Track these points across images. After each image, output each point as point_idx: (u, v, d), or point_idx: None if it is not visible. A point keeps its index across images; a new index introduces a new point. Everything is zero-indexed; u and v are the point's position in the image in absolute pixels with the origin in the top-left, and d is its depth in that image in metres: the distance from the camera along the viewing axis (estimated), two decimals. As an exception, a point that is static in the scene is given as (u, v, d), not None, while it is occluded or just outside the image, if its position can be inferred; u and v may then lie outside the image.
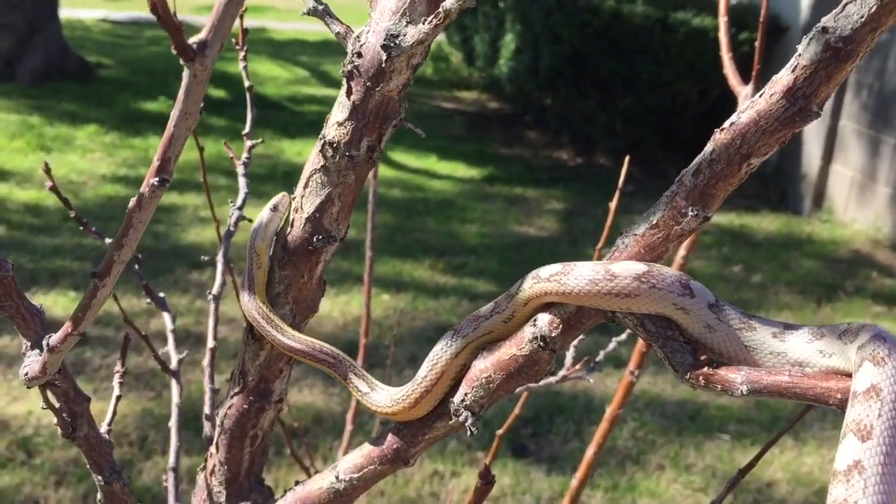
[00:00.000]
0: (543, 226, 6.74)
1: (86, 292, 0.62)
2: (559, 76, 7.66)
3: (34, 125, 7.98)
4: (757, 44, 1.53)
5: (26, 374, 0.75)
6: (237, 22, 0.94)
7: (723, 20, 1.62)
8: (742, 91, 1.56)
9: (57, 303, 4.77)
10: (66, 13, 11.35)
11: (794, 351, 0.71)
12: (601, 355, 1.21)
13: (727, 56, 1.61)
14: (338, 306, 5.00)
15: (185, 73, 0.49)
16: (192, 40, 0.48)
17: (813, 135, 7.21)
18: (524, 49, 8.08)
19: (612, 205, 1.61)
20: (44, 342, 0.73)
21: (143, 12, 14.43)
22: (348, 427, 1.95)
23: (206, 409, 1.02)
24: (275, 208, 0.95)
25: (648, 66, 7.31)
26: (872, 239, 6.64)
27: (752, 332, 0.71)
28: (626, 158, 1.65)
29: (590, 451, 1.59)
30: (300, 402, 4.05)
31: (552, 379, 1.04)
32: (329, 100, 10.19)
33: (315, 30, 13.88)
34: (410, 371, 4.41)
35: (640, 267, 0.72)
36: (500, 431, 1.62)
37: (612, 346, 1.30)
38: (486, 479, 0.66)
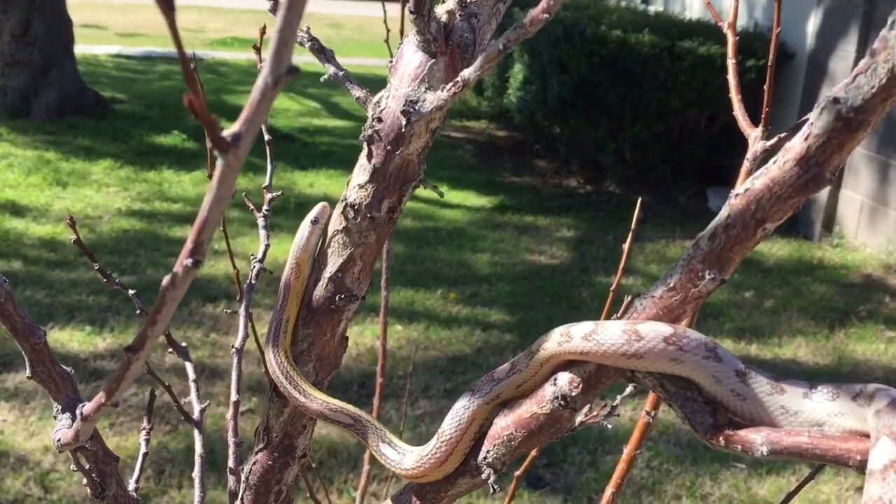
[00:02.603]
0: (554, 254, 6.76)
1: (119, 365, 0.64)
2: (568, 105, 7.71)
3: (50, 160, 8.08)
4: (766, 87, 1.55)
5: (58, 439, 0.77)
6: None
7: (731, 62, 1.64)
8: (752, 133, 1.58)
9: (73, 337, 4.80)
10: (80, 49, 11.51)
11: (811, 412, 0.72)
12: (618, 399, 1.22)
13: (736, 98, 1.63)
14: (352, 337, 4.99)
15: (219, 162, 0.51)
16: (226, 133, 0.50)
17: (823, 160, 7.20)
18: (532, 79, 8.15)
19: (626, 246, 1.62)
20: (77, 411, 0.75)
21: (156, 47, 14.63)
22: (365, 467, 1.95)
23: (231, 463, 1.03)
24: (315, 221, 0.95)
25: (656, 93, 7.35)
26: (884, 263, 6.62)
27: (782, 395, 0.73)
28: (639, 200, 1.66)
29: (608, 492, 1.60)
30: (315, 435, 4.04)
31: (570, 426, 1.05)
32: (339, 131, 10.27)
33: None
34: (424, 402, 4.41)
35: (667, 329, 0.74)
36: (518, 473, 1.63)
37: (628, 390, 1.31)
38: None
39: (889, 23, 0.65)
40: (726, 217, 0.72)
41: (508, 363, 0.86)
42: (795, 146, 0.69)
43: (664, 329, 0.74)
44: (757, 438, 0.72)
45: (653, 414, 1.57)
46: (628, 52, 7.31)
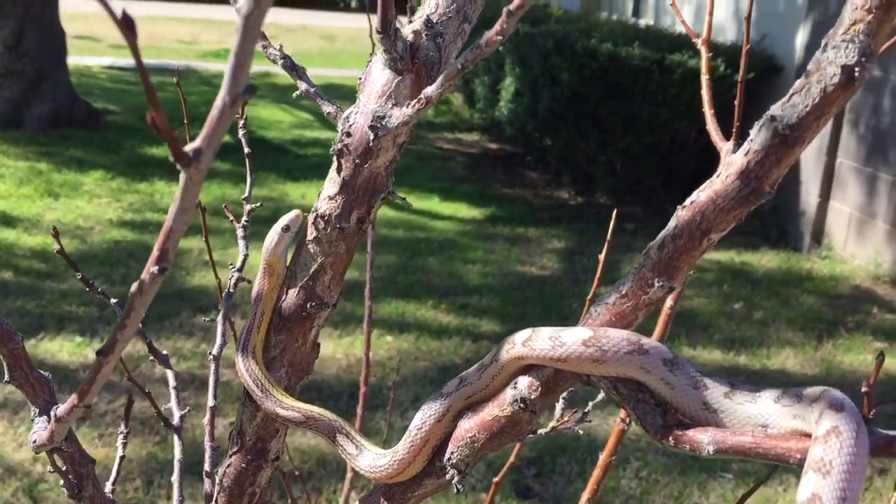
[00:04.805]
0: (545, 265, 6.79)
1: (91, 368, 0.67)
2: (559, 118, 7.77)
3: (42, 171, 8.10)
4: (736, 102, 1.59)
5: (34, 440, 0.80)
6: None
7: (704, 79, 1.68)
8: (724, 147, 1.62)
9: (63, 348, 4.82)
10: (73, 60, 11.55)
11: (734, 411, 0.75)
12: (589, 406, 1.25)
13: (709, 113, 1.67)
14: (342, 348, 5.03)
15: (182, 175, 0.54)
16: (188, 148, 0.53)
17: (810, 172, 7.28)
18: (524, 91, 8.21)
19: (601, 256, 1.65)
20: (52, 412, 0.78)
21: (149, 59, 14.68)
22: (348, 475, 1.98)
23: (207, 466, 1.06)
24: (286, 228, 0.98)
25: (647, 106, 7.41)
26: (872, 275, 6.67)
27: (706, 390, 0.76)
28: (615, 211, 1.70)
29: (584, 498, 1.62)
30: (304, 445, 4.07)
31: (542, 431, 1.08)
32: (331, 143, 10.31)
33: (317, 74, 14.08)
34: (413, 412, 4.43)
35: (586, 332, 0.78)
36: (496, 479, 1.66)
37: (600, 396, 1.34)
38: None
39: (822, 45, 0.69)
40: (674, 228, 0.76)
41: (475, 365, 0.89)
42: (736, 161, 0.73)
43: (583, 333, 0.78)
44: (704, 438, 0.75)
45: (628, 421, 1.60)
46: (619, 65, 7.37)
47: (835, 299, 6.31)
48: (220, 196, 7.49)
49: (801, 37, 7.34)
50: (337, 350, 4.99)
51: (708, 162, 7.77)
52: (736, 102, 1.59)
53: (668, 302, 1.67)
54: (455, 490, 0.87)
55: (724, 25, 8.46)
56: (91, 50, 15.39)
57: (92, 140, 9.29)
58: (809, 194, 7.28)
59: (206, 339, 5.05)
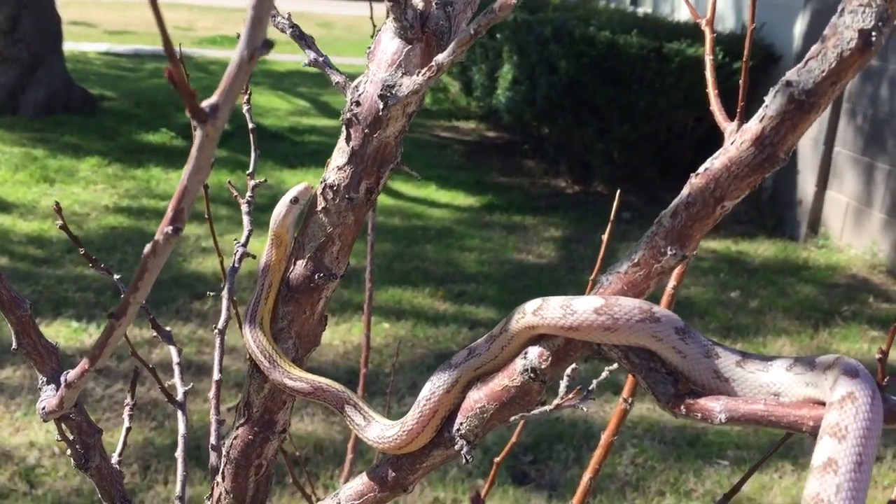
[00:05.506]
0: (542, 253, 6.79)
1: (103, 330, 0.66)
2: (556, 106, 7.75)
3: (37, 157, 8.07)
4: (741, 81, 1.59)
5: (43, 408, 0.79)
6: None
7: (708, 59, 1.67)
8: (728, 127, 1.61)
9: (59, 333, 4.81)
10: (69, 46, 11.48)
11: (745, 380, 0.75)
12: (594, 384, 1.25)
13: (713, 93, 1.66)
14: (339, 335, 5.03)
15: (198, 133, 0.54)
16: (205, 104, 0.52)
17: (807, 162, 7.28)
18: (521, 79, 8.19)
19: (605, 237, 1.65)
20: (62, 378, 0.77)
21: (145, 45, 14.60)
22: (349, 456, 1.98)
23: (213, 440, 1.06)
24: (295, 200, 0.97)
25: (644, 94, 7.40)
26: (868, 264, 6.69)
27: (717, 359, 0.76)
28: (618, 192, 1.70)
29: (585, 477, 1.63)
30: (301, 430, 4.07)
31: (546, 408, 1.08)
32: (329, 130, 10.29)
33: (315, 60, 14.01)
34: (411, 399, 4.43)
35: (597, 301, 0.77)
36: (497, 459, 1.66)
37: (604, 374, 1.34)
38: (477, 502, 0.70)
39: (839, 10, 0.69)
40: (687, 196, 0.76)
41: (485, 336, 0.89)
42: (752, 127, 0.72)
43: (595, 301, 0.78)
44: (716, 406, 0.75)
45: (630, 401, 1.61)
46: (617, 54, 7.36)
47: (831, 288, 6.32)
48: (217, 183, 7.46)
49: (800, 26, 7.33)
50: (334, 337, 4.99)
51: (706, 151, 7.72)
52: (741, 81, 1.59)
53: (671, 283, 1.67)
54: (464, 461, 0.87)
55: (722, 14, 8.45)
56: (87, 36, 15.31)
57: (88, 126, 9.25)
58: (806, 183, 7.29)
59: (202, 325, 5.04)
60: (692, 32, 7.59)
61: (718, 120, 1.65)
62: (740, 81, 1.58)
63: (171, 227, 0.59)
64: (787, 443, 4.25)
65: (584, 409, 1.03)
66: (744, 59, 1.59)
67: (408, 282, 5.92)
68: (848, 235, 6.97)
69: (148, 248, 0.62)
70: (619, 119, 7.58)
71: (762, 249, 7.04)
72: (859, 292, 6.24)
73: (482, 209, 7.71)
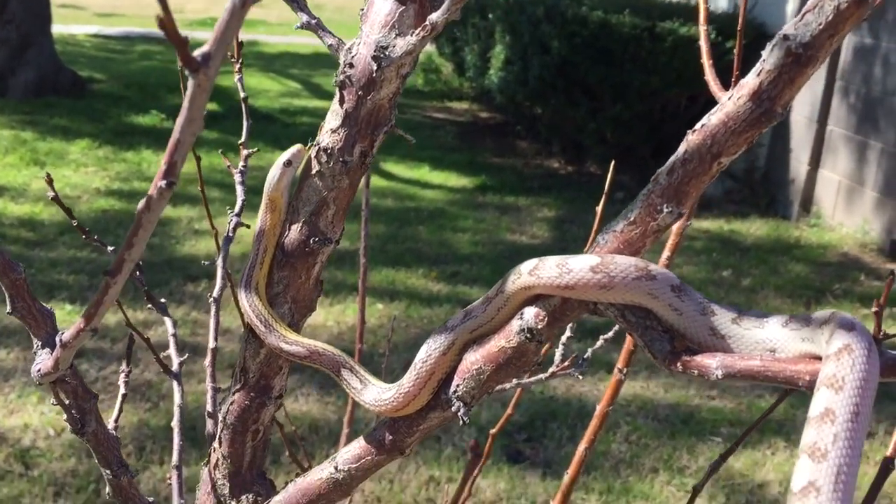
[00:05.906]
0: (535, 234, 6.80)
1: (98, 289, 0.66)
2: (549, 86, 7.73)
3: (27, 140, 8.01)
4: (736, 51, 1.58)
5: (38, 370, 0.79)
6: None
7: (703, 28, 1.66)
8: (723, 97, 1.61)
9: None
10: (58, 29, 11.38)
11: (741, 336, 0.75)
12: (589, 352, 1.25)
13: (708, 63, 1.65)
14: (333, 315, 5.03)
15: (190, 83, 0.53)
16: (197, 53, 0.52)
17: (801, 140, 7.29)
18: (514, 60, 8.15)
19: (599, 209, 1.65)
20: (57, 338, 0.77)
21: (135, 27, 14.49)
22: (345, 430, 1.98)
23: (209, 407, 1.06)
24: (288, 163, 0.96)
25: (637, 74, 7.39)
26: (860, 243, 6.71)
27: (713, 316, 0.76)
28: (612, 164, 1.69)
29: (581, 447, 1.63)
30: (296, 410, 4.08)
31: (542, 376, 1.08)
32: (320, 111, 10.24)
33: (306, 42, 13.95)
34: (405, 379, 4.44)
35: (593, 259, 0.77)
36: (493, 430, 1.66)
37: (599, 343, 1.35)
38: (476, 452, 0.70)
39: (836, -39, 0.68)
40: (683, 152, 0.75)
41: (481, 298, 0.89)
42: (749, 82, 0.72)
43: (591, 260, 0.78)
44: (712, 363, 0.75)
45: (624, 371, 1.61)
46: (609, 33, 7.33)
47: (823, 267, 6.35)
48: (207, 165, 7.43)
49: (792, 4, 7.31)
50: (328, 318, 4.99)
51: (698, 131, 7.76)
52: (735, 51, 1.58)
53: (665, 253, 1.67)
54: (461, 422, 0.87)
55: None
56: (76, 18, 15.18)
57: (77, 108, 9.18)
58: (799, 162, 7.30)
59: (195, 306, 5.03)
60: (684, 12, 7.57)
61: (713, 89, 1.65)
62: (736, 48, 1.58)
63: (164, 182, 0.58)
64: (780, 419, 4.28)
65: (580, 380, 1.04)
66: (738, 29, 1.58)
67: (401, 263, 5.92)
68: (840, 214, 6.99)
69: (142, 203, 0.61)
70: (611, 99, 7.57)
71: (754, 228, 7.06)
72: (851, 270, 6.27)
73: (475, 190, 7.70)
